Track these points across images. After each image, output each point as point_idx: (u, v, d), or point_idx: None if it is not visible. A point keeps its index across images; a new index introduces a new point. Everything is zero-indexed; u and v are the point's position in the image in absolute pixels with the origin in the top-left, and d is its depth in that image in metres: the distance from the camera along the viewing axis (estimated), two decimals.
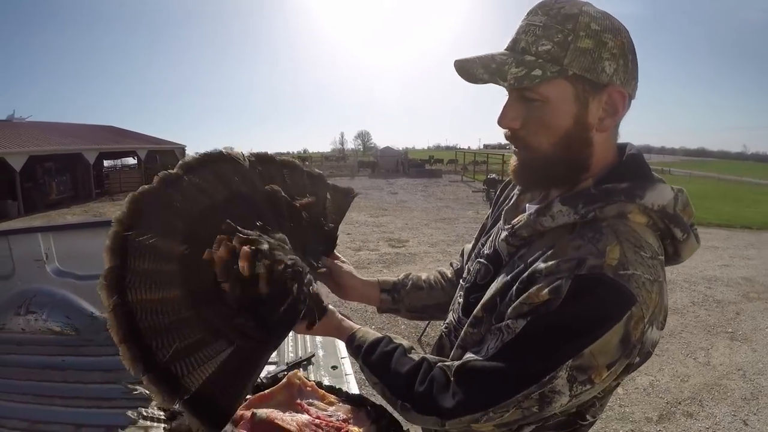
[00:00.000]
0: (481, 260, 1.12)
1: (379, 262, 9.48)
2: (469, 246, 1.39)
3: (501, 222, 1.11)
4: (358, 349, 1.09)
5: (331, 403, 1.44)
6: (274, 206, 1.14)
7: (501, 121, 0.96)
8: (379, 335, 1.11)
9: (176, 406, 0.88)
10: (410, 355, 1.03)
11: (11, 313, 3.21)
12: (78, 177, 24.54)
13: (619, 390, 4.66)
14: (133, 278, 0.92)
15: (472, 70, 0.91)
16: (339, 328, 1.16)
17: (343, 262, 1.37)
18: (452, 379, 0.92)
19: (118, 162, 32.75)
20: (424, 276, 1.43)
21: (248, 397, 1.45)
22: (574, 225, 0.92)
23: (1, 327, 3.18)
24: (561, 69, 0.87)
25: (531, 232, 0.98)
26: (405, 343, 1.08)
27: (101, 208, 19.90)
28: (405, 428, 1.35)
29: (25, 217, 18.18)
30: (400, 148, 42.92)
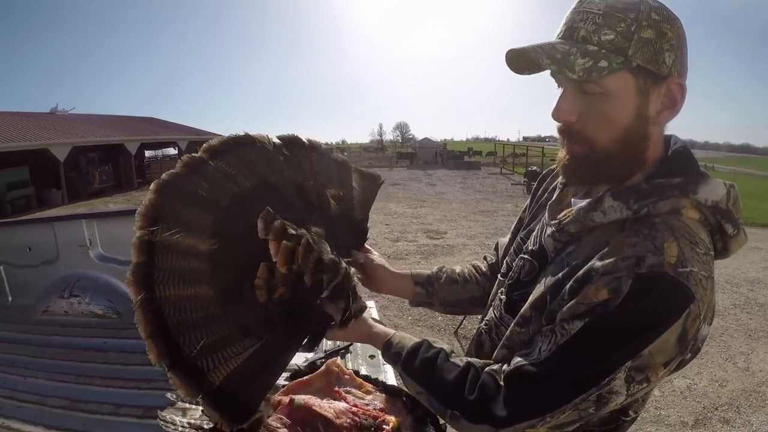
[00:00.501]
0: (525, 256, 1.09)
1: (417, 253, 9.42)
2: (503, 240, 1.37)
3: (545, 217, 1.08)
4: (396, 356, 1.05)
5: (368, 392, 1.44)
6: (303, 196, 1.11)
7: (557, 114, 0.93)
8: (417, 340, 1.06)
9: (198, 401, 0.87)
10: (454, 360, 0.99)
11: (55, 297, 3.33)
12: (120, 167, 25.12)
13: (656, 392, 4.56)
14: (160, 275, 0.89)
15: (536, 59, 0.87)
16: (371, 335, 1.12)
17: (374, 254, 1.35)
18: (503, 384, 0.90)
19: (159, 152, 33.29)
20: (458, 269, 1.41)
21: (287, 383, 1.47)
22: (625, 221, 0.90)
23: (46, 309, 3.30)
24: (625, 60, 0.84)
25: (580, 228, 0.95)
26: (446, 346, 1.05)
27: (142, 197, 19.67)
28: (442, 421, 1.35)
29: (68, 205, 18.79)
30: (439, 140, 42.32)
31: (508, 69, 0.93)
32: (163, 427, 1.54)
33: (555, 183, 1.14)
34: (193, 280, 0.93)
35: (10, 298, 3.59)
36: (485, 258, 1.45)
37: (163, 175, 0.96)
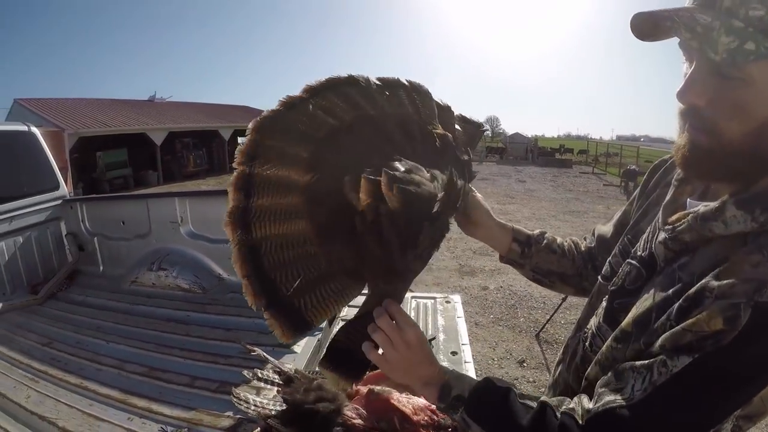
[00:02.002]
0: (633, 262, 0.95)
1: None
2: (603, 228, 1.23)
3: (659, 219, 0.92)
4: (458, 401, 0.90)
5: None
6: (404, 129, 1.05)
7: (684, 94, 0.78)
8: (477, 380, 0.92)
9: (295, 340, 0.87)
10: (526, 402, 0.85)
11: (144, 269, 3.48)
12: (214, 152, 26.14)
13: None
14: (257, 213, 0.89)
15: (671, 28, 0.73)
16: (422, 377, 0.95)
17: (478, 195, 1.24)
18: (585, 426, 0.76)
19: None
20: (559, 240, 1.29)
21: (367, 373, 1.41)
22: (748, 234, 0.75)
23: (134, 280, 3.44)
24: None
25: (695, 238, 0.81)
26: (512, 385, 0.91)
27: None
28: None
29: (163, 186, 19.79)
30: (530, 135, 41.17)
31: (631, 33, 0.80)
32: (236, 404, 1.52)
33: (670, 177, 0.99)
34: (290, 215, 0.92)
35: (101, 268, 3.79)
36: (585, 238, 1.32)
37: (262, 114, 0.94)
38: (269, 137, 0.92)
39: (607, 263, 1.06)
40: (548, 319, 5.33)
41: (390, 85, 1.07)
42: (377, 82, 1.05)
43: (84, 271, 3.78)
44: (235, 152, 0.90)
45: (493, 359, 4.71)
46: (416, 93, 1.11)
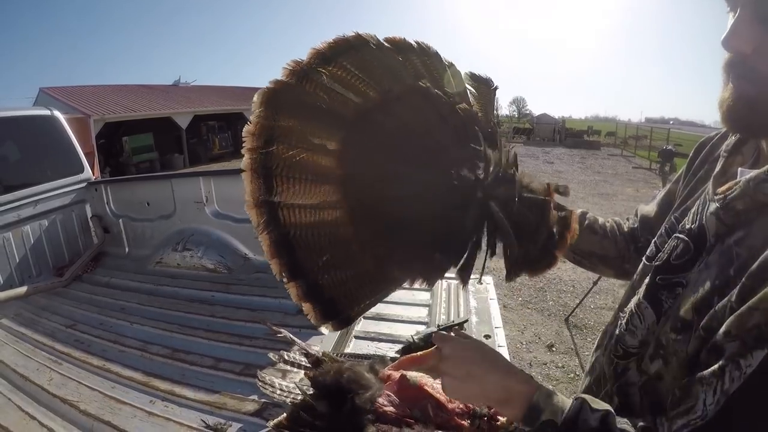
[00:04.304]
0: (681, 235, 0.87)
1: None
2: (647, 208, 1.15)
3: (709, 190, 0.85)
4: (550, 426, 0.75)
5: None
6: (431, 104, 0.93)
7: (729, 41, 0.73)
8: (569, 401, 0.76)
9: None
10: (621, 427, 0.73)
11: (169, 249, 3.46)
12: (239, 134, 25.52)
13: None
14: (283, 197, 0.82)
15: None
16: (508, 388, 0.80)
17: None
18: None
19: None
20: (600, 220, 1.23)
21: (397, 356, 1.34)
22: None
23: (159, 261, 3.42)
24: None
25: (749, 205, 0.73)
26: (608, 407, 0.76)
27: None
28: None
29: (190, 168, 19.97)
30: (557, 116, 40.54)
31: None
32: (261, 388, 1.46)
33: (717, 152, 0.92)
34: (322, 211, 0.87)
35: (127, 249, 3.79)
36: (628, 219, 1.23)
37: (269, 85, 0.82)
38: (285, 116, 0.82)
39: (652, 244, 0.98)
40: (578, 304, 5.22)
41: (401, 48, 0.95)
42: (388, 45, 0.92)
43: (109, 253, 3.78)
44: (243, 133, 0.81)
45: (521, 343, 4.62)
46: (426, 56, 0.98)
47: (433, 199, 0.87)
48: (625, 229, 1.20)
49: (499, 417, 1.15)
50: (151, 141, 20.94)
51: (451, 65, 1.01)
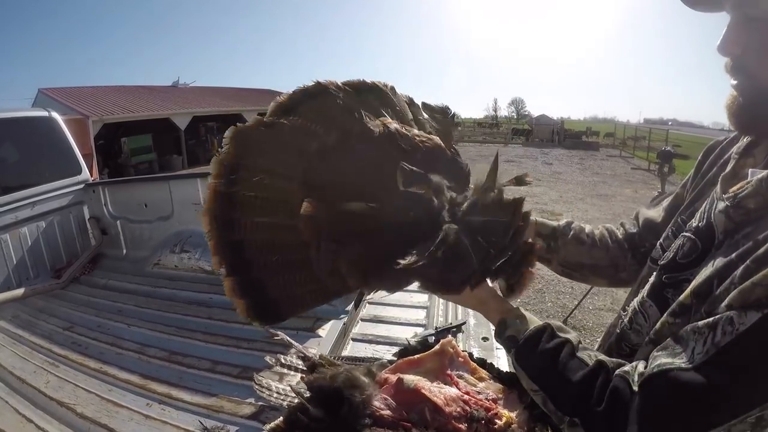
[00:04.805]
0: (688, 234, 0.88)
1: None
2: (646, 211, 1.15)
3: (716, 190, 0.86)
4: (511, 341, 0.87)
5: (481, 379, 1.27)
6: (394, 143, 0.97)
7: (722, 46, 0.77)
8: (539, 323, 0.87)
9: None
10: (581, 355, 0.80)
11: (167, 251, 3.46)
12: None
13: None
14: (242, 185, 0.91)
15: None
16: (486, 302, 0.95)
17: None
18: (637, 392, 0.70)
19: None
20: (588, 229, 1.20)
21: (395, 359, 1.34)
22: None
23: (157, 262, 3.42)
24: None
25: (761, 204, 0.75)
26: (572, 336, 0.85)
27: None
28: None
29: (188, 169, 19.96)
30: (556, 118, 40.68)
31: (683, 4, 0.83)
32: (258, 392, 1.46)
33: (728, 155, 0.93)
34: (278, 192, 0.93)
35: (124, 251, 3.78)
36: (622, 224, 1.22)
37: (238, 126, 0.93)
38: (249, 155, 0.92)
39: (657, 245, 0.99)
40: (576, 305, 5.21)
41: (359, 91, 1.02)
42: (346, 87, 1.00)
43: (107, 255, 3.78)
44: (211, 162, 0.90)
45: None
46: (385, 94, 1.06)
47: (397, 227, 0.90)
48: (619, 236, 1.19)
49: (497, 420, 1.13)
50: (149, 142, 20.96)
51: (410, 100, 1.11)
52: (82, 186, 3.81)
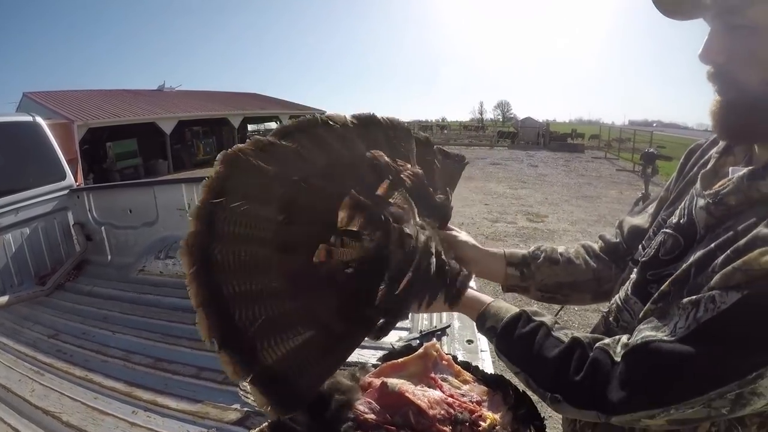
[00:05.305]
0: (668, 230, 0.91)
1: (516, 235, 9.04)
2: (631, 219, 1.16)
3: (697, 187, 0.89)
4: (491, 331, 0.92)
5: (465, 382, 1.29)
6: (376, 172, 1.00)
7: (703, 55, 0.79)
8: (515, 311, 0.92)
9: (246, 382, 0.81)
10: (557, 335, 0.84)
11: (152, 257, 3.44)
12: (223, 139, 26.14)
13: None
14: (220, 245, 0.85)
15: None
16: (463, 303, 1.00)
17: (459, 232, 1.19)
18: (620, 361, 0.74)
19: (262, 126, 34.63)
20: (560, 249, 1.21)
21: (379, 363, 1.35)
22: None
23: (142, 269, 3.41)
24: None
25: (741, 200, 0.77)
26: (547, 318, 0.89)
27: None
28: (544, 419, 1.17)
29: (174, 174, 19.84)
30: (541, 120, 40.90)
31: (657, 11, 0.84)
32: (243, 397, 1.47)
33: (708, 155, 0.96)
34: (257, 257, 0.89)
35: (109, 257, 3.76)
36: (601, 237, 1.24)
37: (232, 149, 0.92)
38: (238, 175, 0.90)
39: (640, 247, 1.01)
40: (561, 306, 5.24)
41: (365, 123, 1.07)
42: (353, 121, 1.04)
43: (92, 261, 3.75)
44: (201, 185, 0.88)
45: None
46: (392, 130, 1.11)
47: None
48: (597, 251, 1.20)
49: (481, 422, 1.15)
50: (135, 147, 20.81)
51: (427, 139, 1.17)
52: (66, 192, 3.79)
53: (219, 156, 0.89)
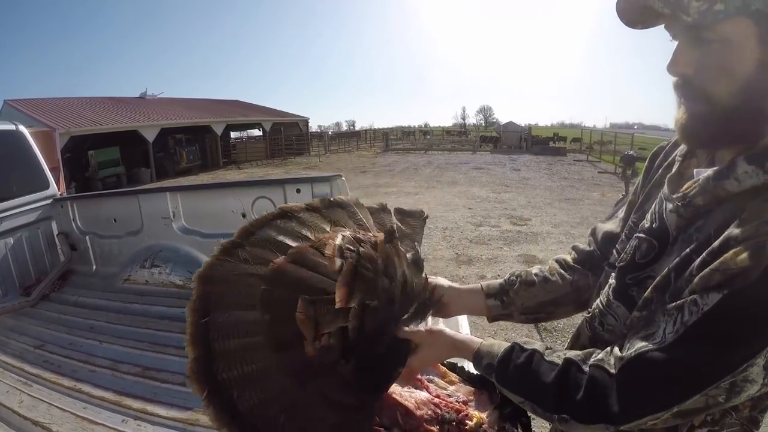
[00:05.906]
0: (642, 235, 0.94)
1: (499, 239, 9.07)
2: (603, 226, 1.20)
3: (664, 191, 0.93)
4: (489, 368, 0.95)
5: (451, 382, 1.31)
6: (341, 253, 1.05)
7: (672, 67, 0.82)
8: (507, 345, 0.95)
9: None
10: (550, 359, 0.88)
11: (137, 266, 3.43)
12: (206, 147, 26.18)
13: None
14: (221, 363, 0.88)
15: (647, 2, 0.78)
16: (456, 346, 1.04)
17: (435, 278, 1.24)
18: (617, 374, 0.77)
19: (245, 133, 34.61)
20: (534, 270, 1.25)
21: None
22: (759, 188, 0.77)
23: (127, 278, 3.40)
24: (743, 3, 0.72)
25: (708, 200, 0.81)
26: (538, 345, 0.92)
27: (228, 174, 21.77)
28: (531, 418, 1.20)
29: (156, 183, 19.69)
30: (523, 124, 41.19)
31: (620, 22, 0.87)
32: None
33: (672, 157, 1.00)
34: (256, 356, 0.92)
35: (94, 267, 3.74)
36: (574, 248, 1.27)
37: (203, 267, 0.97)
38: (217, 288, 0.95)
39: (614, 251, 1.05)
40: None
41: (327, 206, 1.17)
42: (309, 207, 1.13)
43: (77, 271, 3.73)
44: (186, 309, 0.91)
45: None
46: (350, 207, 1.21)
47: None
48: (571, 261, 1.23)
49: (467, 422, 1.17)
50: (117, 155, 20.61)
51: (383, 206, 1.28)
52: (50, 201, 3.76)
53: (194, 276, 0.94)
